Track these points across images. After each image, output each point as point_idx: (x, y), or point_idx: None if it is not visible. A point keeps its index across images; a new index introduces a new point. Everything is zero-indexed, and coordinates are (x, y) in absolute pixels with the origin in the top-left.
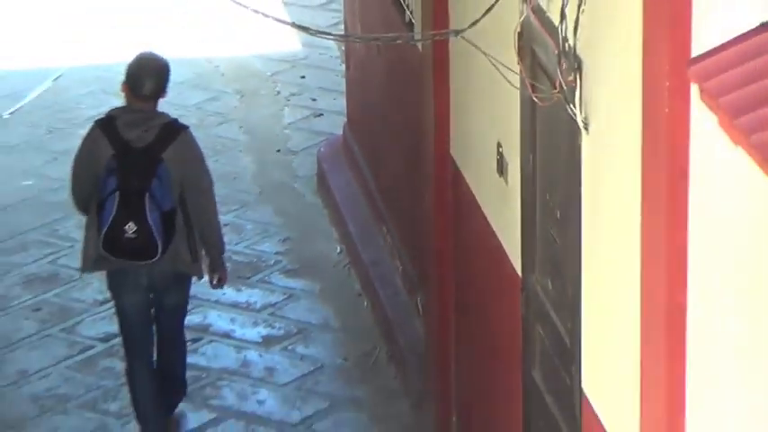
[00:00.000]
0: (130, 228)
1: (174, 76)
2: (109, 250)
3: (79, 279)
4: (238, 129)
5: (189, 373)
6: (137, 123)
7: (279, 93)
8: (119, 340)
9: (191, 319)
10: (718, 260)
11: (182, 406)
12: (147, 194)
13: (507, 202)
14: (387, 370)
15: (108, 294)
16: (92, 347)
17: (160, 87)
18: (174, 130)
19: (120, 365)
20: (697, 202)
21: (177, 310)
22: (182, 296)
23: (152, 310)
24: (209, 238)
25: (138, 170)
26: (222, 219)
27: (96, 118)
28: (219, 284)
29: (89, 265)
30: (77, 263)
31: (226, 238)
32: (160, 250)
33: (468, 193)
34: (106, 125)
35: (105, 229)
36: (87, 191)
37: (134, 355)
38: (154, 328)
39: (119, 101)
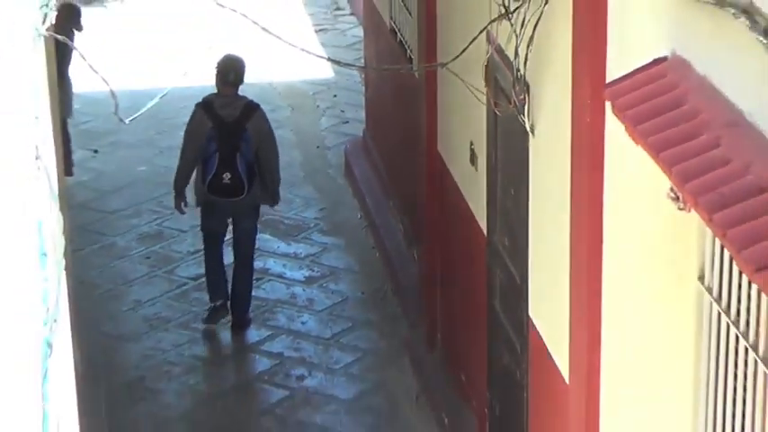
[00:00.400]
0: (227, 176)
1: (247, 95)
2: (212, 192)
3: (178, 236)
4: (290, 131)
5: (253, 303)
6: (227, 104)
7: (318, 106)
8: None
9: (256, 264)
10: (625, 224)
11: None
12: (238, 153)
13: (477, 183)
14: (392, 301)
15: (200, 242)
16: (186, 284)
17: (240, 77)
18: (252, 108)
19: (205, 297)
20: (610, 182)
21: (250, 233)
22: (254, 222)
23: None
24: (272, 176)
25: (231, 136)
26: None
27: (197, 103)
28: (275, 203)
29: (200, 202)
30: (176, 225)
31: (281, 209)
32: (246, 190)
33: (449, 177)
34: (205, 107)
35: (210, 178)
36: (193, 154)
37: (211, 247)
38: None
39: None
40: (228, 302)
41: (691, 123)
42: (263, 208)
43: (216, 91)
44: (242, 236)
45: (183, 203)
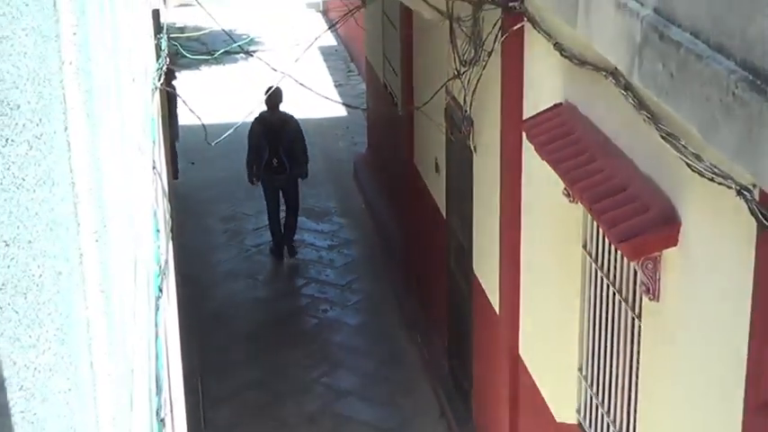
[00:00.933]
0: (275, 161)
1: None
2: (266, 172)
3: (245, 218)
4: (318, 150)
5: (294, 262)
6: (272, 116)
7: (337, 134)
8: (265, 246)
9: (297, 238)
10: (535, 211)
11: (289, 273)
12: (281, 146)
13: (439, 184)
14: (383, 262)
15: (261, 222)
16: (250, 250)
17: (280, 99)
18: (289, 117)
19: (264, 258)
20: (525, 184)
21: (294, 196)
22: (296, 189)
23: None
24: (304, 160)
25: (276, 136)
26: (308, 192)
27: (255, 117)
28: (306, 176)
29: (258, 179)
30: (244, 210)
31: (312, 200)
32: (288, 169)
33: (421, 180)
34: (260, 119)
35: (264, 163)
36: (255, 148)
37: (271, 210)
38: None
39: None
40: (284, 248)
41: (577, 146)
42: (304, 202)
43: (265, 109)
44: (289, 198)
45: (253, 179)
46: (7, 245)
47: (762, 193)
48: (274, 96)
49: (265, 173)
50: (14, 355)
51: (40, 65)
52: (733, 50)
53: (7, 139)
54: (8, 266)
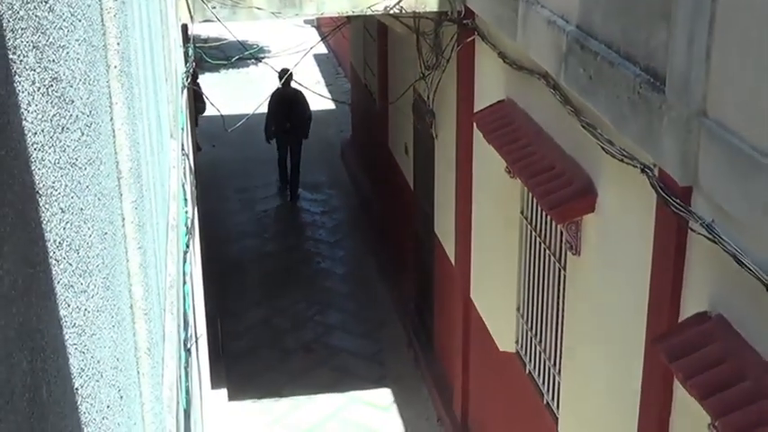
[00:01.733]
0: (287, 125)
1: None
2: (279, 132)
3: (255, 189)
4: (313, 135)
5: (293, 223)
6: (286, 90)
7: (328, 123)
8: (273, 210)
9: (297, 205)
10: (484, 184)
11: (290, 232)
12: (291, 114)
13: (408, 163)
14: (364, 224)
15: (269, 191)
16: (260, 215)
17: (291, 79)
18: (298, 92)
19: (270, 221)
20: (476, 163)
21: (298, 153)
22: (300, 148)
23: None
24: (308, 123)
25: (288, 105)
26: (305, 169)
27: (273, 91)
28: (306, 137)
29: (271, 137)
30: (255, 183)
31: (308, 175)
32: (295, 132)
33: (393, 160)
34: (276, 94)
35: (278, 124)
36: (273, 114)
37: (281, 161)
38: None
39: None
40: (288, 191)
41: (515, 134)
42: (302, 177)
43: (281, 85)
44: (293, 154)
45: (269, 139)
46: (63, 212)
47: (660, 171)
48: (288, 76)
49: (279, 133)
50: (69, 299)
51: (90, 68)
52: (638, 58)
53: (63, 128)
54: (64, 228)
